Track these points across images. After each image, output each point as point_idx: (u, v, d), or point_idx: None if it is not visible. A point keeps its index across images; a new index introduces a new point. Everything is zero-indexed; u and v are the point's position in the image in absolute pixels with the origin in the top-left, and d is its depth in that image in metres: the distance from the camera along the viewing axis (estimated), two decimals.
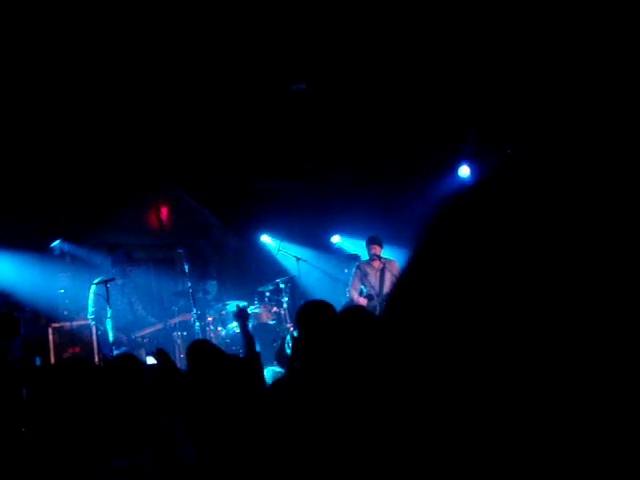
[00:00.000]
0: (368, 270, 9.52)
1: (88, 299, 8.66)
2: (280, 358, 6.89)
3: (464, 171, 11.44)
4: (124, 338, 8.57)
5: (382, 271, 9.50)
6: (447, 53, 8.51)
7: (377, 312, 8.58)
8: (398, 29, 8.02)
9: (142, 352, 8.54)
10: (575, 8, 7.68)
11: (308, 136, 10.20)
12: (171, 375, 4.47)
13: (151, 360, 7.64)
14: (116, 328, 8.60)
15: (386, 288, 9.41)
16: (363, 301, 9.15)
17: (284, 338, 8.54)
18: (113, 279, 8.55)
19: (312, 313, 3.33)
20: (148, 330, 8.82)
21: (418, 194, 11.32)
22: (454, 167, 11.45)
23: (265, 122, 9.75)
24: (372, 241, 9.54)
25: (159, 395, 4.07)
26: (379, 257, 9.46)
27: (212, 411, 3.32)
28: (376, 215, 11.15)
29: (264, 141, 10.19)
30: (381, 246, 9.53)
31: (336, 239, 11.87)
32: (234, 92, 8.82)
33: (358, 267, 9.61)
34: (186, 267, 9.06)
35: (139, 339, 8.75)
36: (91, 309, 8.66)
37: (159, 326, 8.97)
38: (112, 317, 8.42)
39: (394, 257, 9.72)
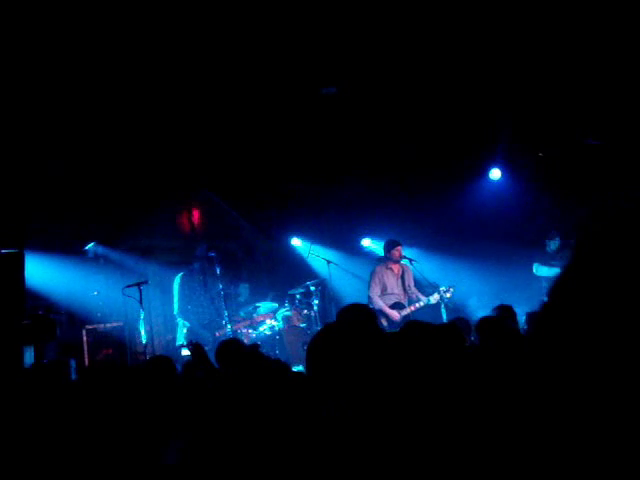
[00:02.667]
0: (388, 274, 9.35)
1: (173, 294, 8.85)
2: None
3: (495, 174, 11.38)
4: (208, 336, 8.68)
5: (402, 277, 9.40)
6: (479, 55, 8.46)
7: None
8: (430, 33, 8.00)
9: None
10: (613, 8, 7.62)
11: (339, 139, 10.20)
12: (204, 368, 4.54)
13: (185, 352, 7.77)
14: (201, 325, 8.79)
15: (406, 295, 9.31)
16: (393, 313, 8.99)
17: None
18: (146, 282, 8.69)
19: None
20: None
21: (449, 197, 11.28)
22: (485, 170, 11.39)
23: (296, 125, 9.78)
24: (395, 244, 9.35)
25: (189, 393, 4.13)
26: (399, 261, 9.36)
27: (240, 410, 3.33)
28: (406, 218, 11.12)
29: (295, 144, 10.21)
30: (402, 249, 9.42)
31: (366, 242, 11.86)
32: (265, 96, 8.85)
33: (376, 270, 9.41)
34: (218, 270, 9.13)
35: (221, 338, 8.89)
36: (176, 304, 8.88)
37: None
38: (145, 320, 8.55)
39: (421, 261, 9.63)
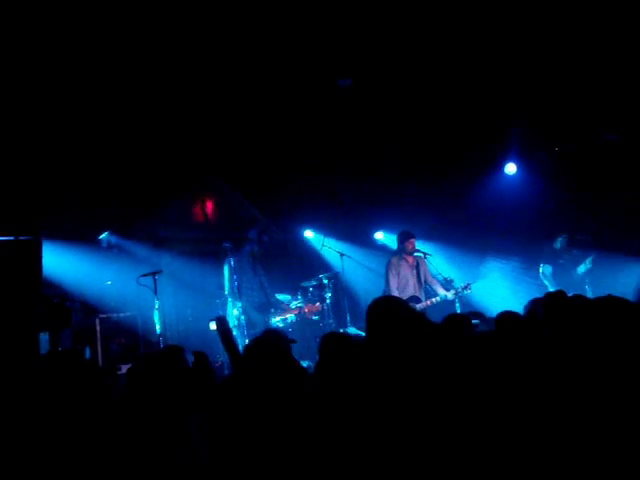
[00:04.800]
0: (403, 266, 9.32)
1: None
2: None
3: (510, 168, 11.32)
4: (259, 318, 8.79)
5: (417, 268, 9.37)
6: (496, 48, 8.42)
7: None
8: (445, 25, 7.96)
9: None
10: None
11: (354, 131, 10.17)
12: (227, 346, 4.52)
13: (213, 326, 7.82)
14: (253, 307, 8.91)
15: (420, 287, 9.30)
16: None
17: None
18: (160, 271, 8.70)
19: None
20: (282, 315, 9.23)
21: (463, 191, 11.23)
22: (500, 164, 11.33)
23: (310, 117, 9.76)
24: (409, 235, 9.32)
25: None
26: (412, 253, 9.33)
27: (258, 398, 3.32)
28: (420, 212, 11.09)
29: (309, 136, 10.19)
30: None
31: (380, 235, 11.82)
32: (280, 87, 8.84)
33: (392, 261, 9.39)
34: (232, 261, 9.14)
35: (275, 323, 9.11)
36: (227, 283, 9.03)
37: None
38: (160, 310, 8.57)
39: (435, 254, 9.59)
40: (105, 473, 3.04)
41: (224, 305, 9.38)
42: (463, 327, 3.83)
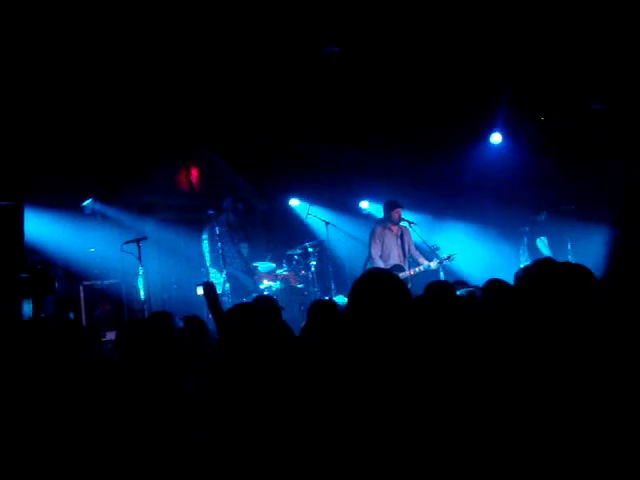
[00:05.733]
0: (387, 235, 9.38)
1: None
2: None
3: (496, 138, 11.32)
4: (250, 281, 8.85)
5: (401, 238, 9.41)
6: (481, 16, 8.36)
7: (408, 285, 8.50)
8: None
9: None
10: None
11: (339, 100, 10.11)
12: (213, 311, 4.54)
13: (200, 291, 7.84)
14: (241, 272, 8.93)
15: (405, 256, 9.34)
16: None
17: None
18: (145, 238, 8.67)
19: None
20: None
21: (448, 161, 11.23)
22: (486, 134, 11.32)
23: (296, 84, 9.67)
24: (396, 205, 9.36)
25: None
26: (398, 223, 9.37)
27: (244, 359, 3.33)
28: (406, 181, 11.09)
29: (295, 104, 10.12)
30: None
31: (365, 204, 11.83)
32: (266, 54, 8.74)
33: (377, 230, 9.43)
34: (217, 229, 9.12)
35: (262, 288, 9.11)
36: (207, 255, 9.01)
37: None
38: (144, 277, 8.55)
39: (420, 223, 9.62)
40: (97, 440, 3.04)
41: (207, 275, 9.38)
42: (446, 294, 3.84)
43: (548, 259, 4.23)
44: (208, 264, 9.33)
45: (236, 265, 9.25)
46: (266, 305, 4.56)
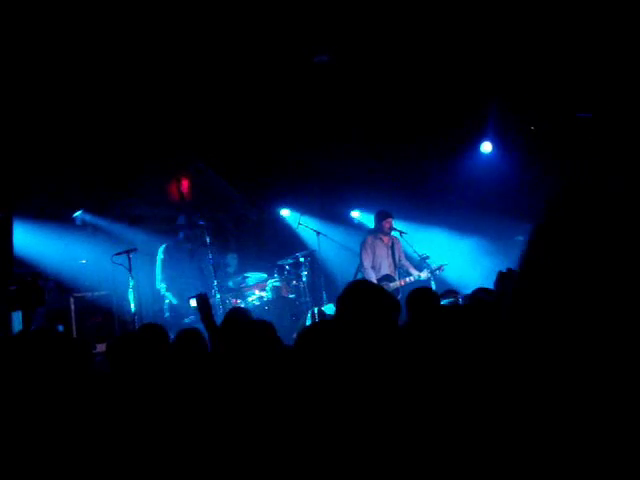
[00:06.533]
0: (378, 245, 9.37)
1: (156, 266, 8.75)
2: None
3: (486, 147, 11.35)
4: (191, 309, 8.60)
5: (392, 248, 9.41)
6: (471, 27, 8.40)
7: (398, 295, 8.49)
8: (422, 4, 7.92)
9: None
10: None
11: (329, 109, 10.13)
12: (206, 323, 4.52)
13: (193, 303, 7.76)
14: (184, 298, 8.70)
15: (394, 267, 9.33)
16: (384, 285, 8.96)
17: (312, 313, 8.57)
18: (135, 249, 8.63)
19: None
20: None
21: (439, 170, 11.26)
22: (476, 143, 11.36)
23: (287, 94, 9.69)
24: (387, 215, 9.37)
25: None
26: (389, 233, 9.37)
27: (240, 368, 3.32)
28: (397, 191, 11.11)
29: (285, 114, 10.13)
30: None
31: (356, 214, 11.84)
32: (255, 63, 8.75)
33: (368, 240, 9.41)
34: (207, 240, 9.09)
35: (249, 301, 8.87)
36: (158, 276, 8.73)
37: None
38: (134, 289, 8.50)
39: (411, 232, 9.63)
40: (88, 452, 3.02)
41: (163, 298, 9.27)
42: (426, 300, 3.85)
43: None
44: (158, 286, 9.14)
45: (182, 287, 8.93)
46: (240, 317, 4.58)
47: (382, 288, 2.90)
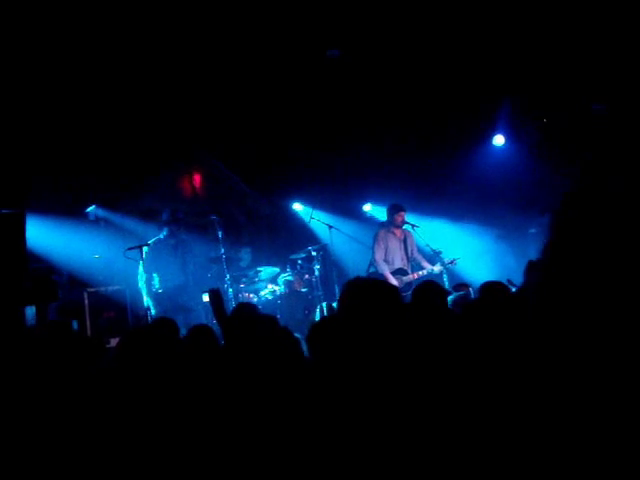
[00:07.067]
0: (391, 238, 9.34)
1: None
2: None
3: (498, 140, 11.29)
4: (167, 304, 8.55)
5: (405, 242, 9.39)
6: (483, 21, 8.35)
7: (411, 288, 8.46)
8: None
9: (199, 315, 8.59)
10: None
11: (342, 103, 10.10)
12: (218, 317, 4.53)
13: (206, 298, 7.73)
14: (165, 292, 8.63)
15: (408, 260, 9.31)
16: (394, 281, 8.91)
17: (321, 308, 8.58)
18: (148, 244, 8.64)
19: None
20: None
21: (451, 163, 11.21)
22: (488, 136, 11.30)
23: (298, 89, 9.68)
24: (399, 208, 9.32)
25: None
26: (402, 226, 9.34)
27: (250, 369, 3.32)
28: (409, 184, 11.08)
29: (297, 108, 10.12)
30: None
31: (368, 207, 11.82)
32: (268, 58, 8.75)
33: (380, 234, 9.38)
34: (220, 234, 9.10)
35: (190, 302, 8.76)
36: (141, 274, 8.66)
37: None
38: (146, 282, 8.51)
39: (423, 226, 9.59)
40: (97, 447, 3.03)
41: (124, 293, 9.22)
42: (433, 296, 3.83)
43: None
44: (140, 285, 8.87)
45: (166, 284, 8.82)
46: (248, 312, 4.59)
47: (378, 281, 2.89)
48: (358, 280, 2.96)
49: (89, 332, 8.95)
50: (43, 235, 9.22)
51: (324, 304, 8.54)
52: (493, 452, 2.07)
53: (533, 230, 10.55)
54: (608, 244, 1.28)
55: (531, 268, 4.55)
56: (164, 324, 4.70)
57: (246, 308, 4.96)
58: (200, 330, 4.77)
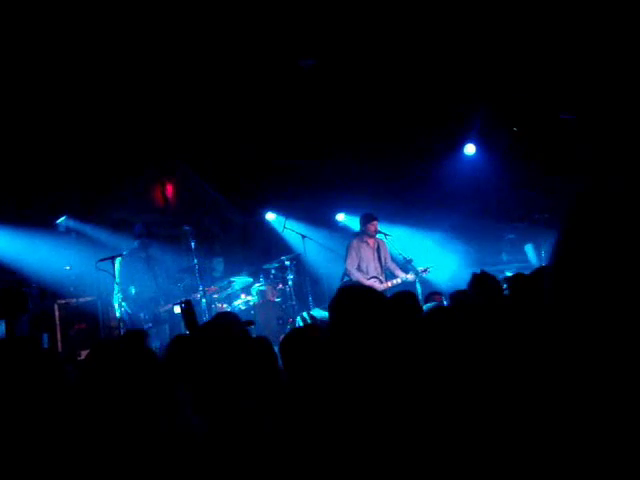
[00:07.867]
0: (364, 247, 9.35)
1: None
2: None
3: (469, 149, 11.40)
4: (143, 316, 8.46)
5: (378, 250, 9.41)
6: (455, 31, 8.43)
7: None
8: (406, 7, 7.94)
9: (166, 328, 8.52)
10: None
11: (314, 113, 10.14)
12: (190, 328, 4.51)
13: (177, 309, 7.67)
14: (139, 305, 8.55)
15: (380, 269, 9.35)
16: (374, 283, 8.94)
17: (295, 321, 8.55)
18: (120, 255, 8.57)
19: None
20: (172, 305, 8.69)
21: (423, 173, 11.29)
22: (460, 145, 11.40)
23: (271, 98, 9.69)
24: (372, 218, 9.33)
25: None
26: (375, 235, 9.37)
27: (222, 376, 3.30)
28: (381, 193, 11.12)
29: (270, 118, 10.13)
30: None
31: (341, 217, 11.85)
32: (240, 68, 8.75)
33: (353, 243, 9.38)
34: (192, 244, 9.04)
35: (164, 314, 8.67)
36: (116, 288, 8.53)
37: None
38: (122, 292, 8.43)
39: (396, 235, 9.62)
40: (66, 462, 2.99)
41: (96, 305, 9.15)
42: (409, 303, 3.86)
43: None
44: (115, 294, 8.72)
45: (138, 296, 8.76)
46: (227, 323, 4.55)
47: (370, 288, 2.90)
48: (354, 287, 2.98)
49: (60, 344, 8.84)
50: (12, 247, 9.11)
51: (305, 313, 8.52)
52: (480, 459, 2.09)
53: (512, 236, 10.67)
54: (622, 245, 1.29)
55: (476, 280, 4.61)
56: (133, 335, 4.67)
57: (227, 317, 4.90)
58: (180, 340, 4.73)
